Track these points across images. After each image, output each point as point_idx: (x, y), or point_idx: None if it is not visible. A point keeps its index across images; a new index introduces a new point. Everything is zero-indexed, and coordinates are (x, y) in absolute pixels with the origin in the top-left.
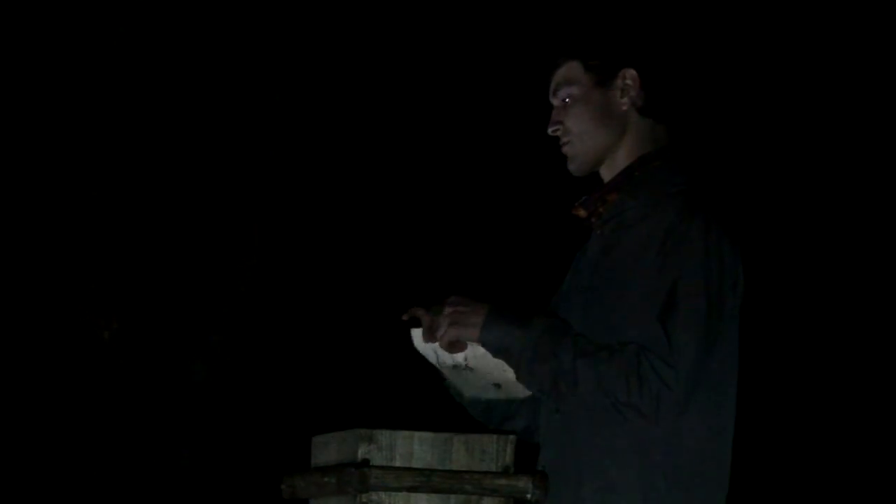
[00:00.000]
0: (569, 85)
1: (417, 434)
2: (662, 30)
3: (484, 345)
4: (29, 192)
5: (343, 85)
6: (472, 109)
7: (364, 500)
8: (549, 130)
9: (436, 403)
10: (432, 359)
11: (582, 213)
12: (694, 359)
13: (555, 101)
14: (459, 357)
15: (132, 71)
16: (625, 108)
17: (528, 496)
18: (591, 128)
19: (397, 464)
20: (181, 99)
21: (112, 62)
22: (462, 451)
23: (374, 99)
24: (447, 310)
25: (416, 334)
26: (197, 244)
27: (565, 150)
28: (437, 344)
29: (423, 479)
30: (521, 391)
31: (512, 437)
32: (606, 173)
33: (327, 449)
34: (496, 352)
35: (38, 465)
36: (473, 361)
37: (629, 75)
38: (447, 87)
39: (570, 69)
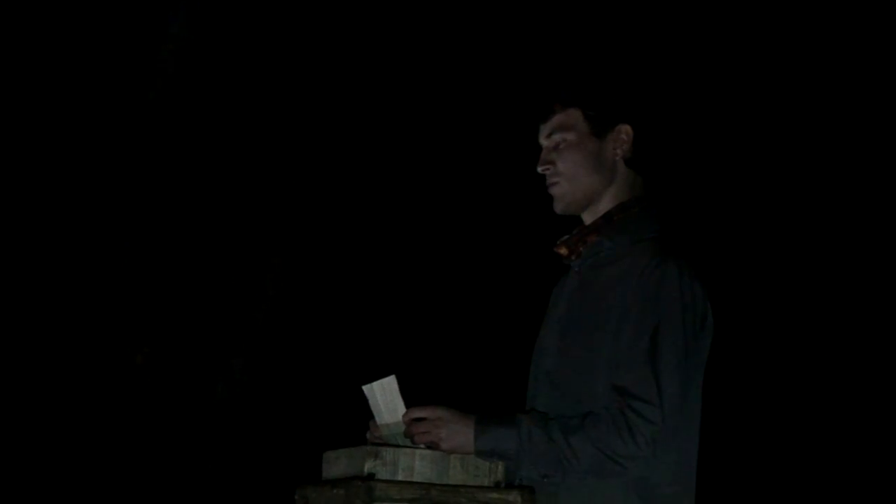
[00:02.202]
0: (565, 130)
1: (418, 451)
2: (654, 90)
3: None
4: (69, 236)
5: (371, 127)
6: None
7: None
8: (539, 169)
9: None
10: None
11: (564, 251)
12: (676, 391)
13: (546, 143)
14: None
15: (167, 99)
16: (616, 158)
17: None
18: (583, 172)
19: (400, 478)
20: (210, 140)
21: (145, 89)
22: (458, 468)
23: (406, 139)
24: (439, 431)
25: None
26: (219, 278)
27: (553, 190)
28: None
29: (423, 492)
30: None
31: None
32: (588, 216)
33: (337, 463)
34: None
35: (76, 476)
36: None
37: (625, 130)
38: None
39: (569, 116)
